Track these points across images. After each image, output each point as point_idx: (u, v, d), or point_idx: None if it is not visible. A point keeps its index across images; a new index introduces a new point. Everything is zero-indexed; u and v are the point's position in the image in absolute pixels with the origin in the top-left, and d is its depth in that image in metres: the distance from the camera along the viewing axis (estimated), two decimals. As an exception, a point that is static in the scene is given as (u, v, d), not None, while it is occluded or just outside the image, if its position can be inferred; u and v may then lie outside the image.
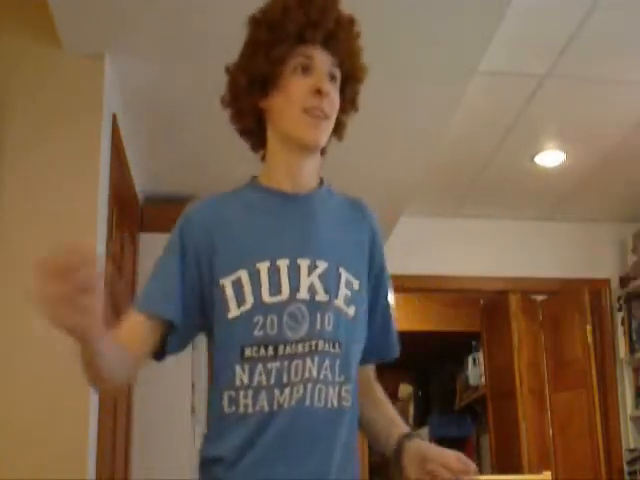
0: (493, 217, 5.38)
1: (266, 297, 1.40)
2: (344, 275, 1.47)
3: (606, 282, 5.37)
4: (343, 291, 1.45)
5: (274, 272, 1.42)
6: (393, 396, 8.44)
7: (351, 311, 1.46)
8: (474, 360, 6.70)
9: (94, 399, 2.81)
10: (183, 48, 2.98)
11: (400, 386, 8.38)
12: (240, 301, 1.40)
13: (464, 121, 3.91)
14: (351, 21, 1.56)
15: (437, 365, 7.84)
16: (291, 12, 1.48)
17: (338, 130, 1.60)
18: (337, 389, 1.40)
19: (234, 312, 1.40)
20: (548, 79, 3.71)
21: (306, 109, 1.47)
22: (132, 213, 3.84)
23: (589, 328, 5.17)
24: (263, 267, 1.42)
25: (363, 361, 1.52)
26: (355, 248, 1.53)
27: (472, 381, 6.72)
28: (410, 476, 1.39)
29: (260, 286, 1.41)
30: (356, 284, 1.48)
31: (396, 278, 6.08)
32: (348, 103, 1.59)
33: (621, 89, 3.82)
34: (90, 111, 2.95)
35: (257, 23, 1.53)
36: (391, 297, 1.61)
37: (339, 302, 1.44)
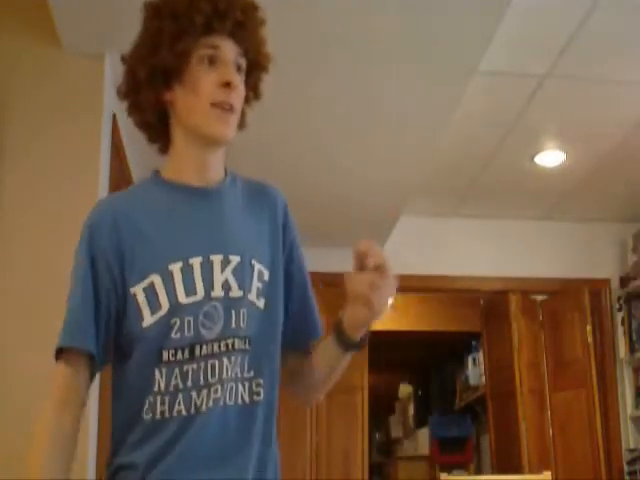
0: (493, 217, 5.38)
1: (182, 298, 1.36)
2: (257, 267, 1.43)
3: (606, 282, 5.37)
4: (255, 284, 1.42)
5: (187, 272, 1.37)
6: (393, 396, 8.45)
7: (261, 303, 1.42)
8: (474, 360, 6.70)
9: (94, 398, 2.81)
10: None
11: (400, 386, 8.39)
12: (154, 308, 1.36)
13: (464, 121, 3.91)
14: (255, 8, 1.50)
15: (437, 365, 7.85)
16: (197, 2, 1.42)
17: (241, 119, 1.53)
18: (247, 385, 1.37)
19: (148, 320, 1.36)
20: (548, 79, 3.71)
21: (214, 103, 1.42)
22: (132, 213, 3.84)
23: (589, 328, 5.17)
24: (176, 268, 1.37)
25: (296, 347, 1.50)
26: (264, 236, 1.49)
27: (472, 381, 6.73)
28: (354, 314, 1.39)
29: (175, 288, 1.36)
30: (266, 274, 1.45)
31: (396, 278, 6.07)
32: (251, 91, 1.53)
33: (621, 89, 3.82)
34: (90, 111, 2.95)
35: (158, 12, 1.47)
36: (309, 281, 1.56)
37: (252, 296, 1.41)
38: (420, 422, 7.71)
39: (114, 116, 3.16)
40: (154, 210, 1.46)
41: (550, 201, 5.20)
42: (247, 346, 1.38)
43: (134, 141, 3.61)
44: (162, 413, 1.34)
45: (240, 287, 1.40)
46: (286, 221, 1.54)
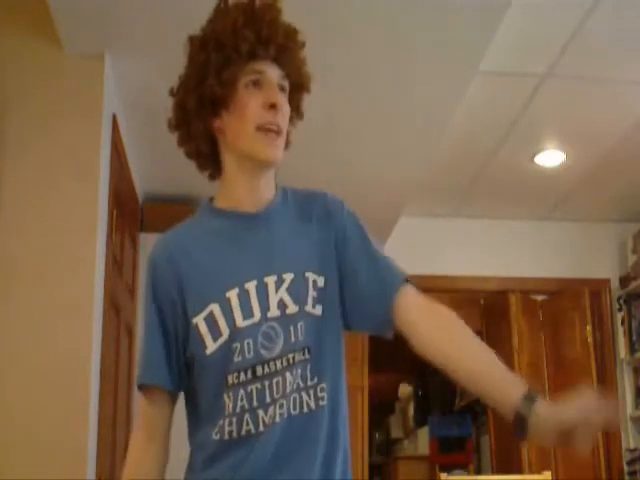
0: (493, 217, 5.38)
1: (239, 322, 1.40)
2: (311, 278, 1.46)
3: (606, 282, 5.37)
4: (311, 294, 1.45)
5: (244, 296, 1.42)
6: (393, 396, 8.45)
7: (318, 310, 1.45)
8: (474, 360, 6.69)
9: (94, 399, 2.81)
10: (183, 48, 2.97)
11: (400, 386, 8.39)
12: (215, 334, 1.40)
13: (464, 121, 3.91)
14: (296, 32, 1.54)
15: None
16: (241, 31, 1.47)
17: (287, 140, 1.56)
18: (312, 392, 1.41)
19: (211, 347, 1.40)
20: (548, 79, 3.71)
21: (260, 125, 1.45)
22: (132, 213, 3.85)
23: (589, 328, 5.17)
24: (233, 294, 1.41)
25: (387, 303, 1.45)
26: (317, 246, 1.50)
27: (472, 381, 6.71)
28: (548, 440, 1.26)
29: (233, 314, 1.41)
30: (321, 280, 1.47)
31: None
32: (294, 112, 1.56)
33: (621, 89, 3.82)
34: (90, 111, 2.95)
35: (204, 44, 1.51)
36: (378, 249, 1.55)
37: (308, 307, 1.44)
38: (420, 422, 7.70)
39: (114, 116, 3.16)
40: (209, 240, 1.50)
41: (550, 201, 5.20)
42: (307, 355, 1.41)
43: (134, 141, 3.61)
44: (230, 433, 1.38)
45: (296, 302, 1.43)
46: (335, 220, 1.54)
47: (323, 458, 1.39)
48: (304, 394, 1.40)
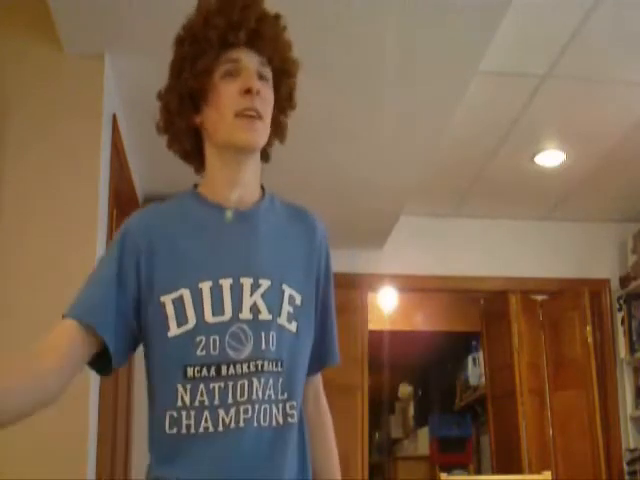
0: (493, 217, 5.38)
1: (209, 317, 1.37)
2: (287, 292, 1.44)
3: (606, 282, 5.37)
4: (286, 308, 1.43)
5: (217, 292, 1.39)
6: (393, 396, 8.45)
7: (293, 327, 1.44)
8: (474, 360, 6.70)
9: (94, 399, 2.81)
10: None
11: (400, 386, 8.40)
12: (181, 320, 1.37)
13: (464, 121, 3.91)
14: (275, 17, 1.50)
15: (437, 365, 7.85)
16: (211, 19, 1.45)
17: (278, 131, 1.56)
18: (281, 406, 1.39)
19: (174, 331, 1.37)
20: (548, 79, 3.71)
21: (238, 112, 1.43)
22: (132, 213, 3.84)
23: (589, 328, 5.17)
24: (205, 287, 1.39)
25: (309, 370, 1.51)
26: (298, 262, 1.49)
27: (472, 381, 6.73)
28: None
29: (202, 306, 1.38)
30: (298, 299, 1.46)
31: (396, 278, 6.09)
32: (284, 101, 1.55)
33: (621, 89, 3.82)
34: (90, 111, 2.95)
35: (180, 40, 1.51)
36: (333, 312, 1.60)
37: (282, 320, 1.42)
38: (420, 422, 7.71)
39: (114, 116, 3.16)
40: (189, 225, 1.47)
41: (550, 201, 5.21)
42: (279, 368, 1.40)
43: (134, 141, 3.61)
44: (188, 427, 1.35)
45: (270, 311, 1.41)
46: (322, 251, 1.55)
47: (288, 474, 1.39)
48: (274, 407, 1.38)
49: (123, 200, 3.45)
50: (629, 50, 3.48)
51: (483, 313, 5.80)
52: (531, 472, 4.89)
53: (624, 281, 5.27)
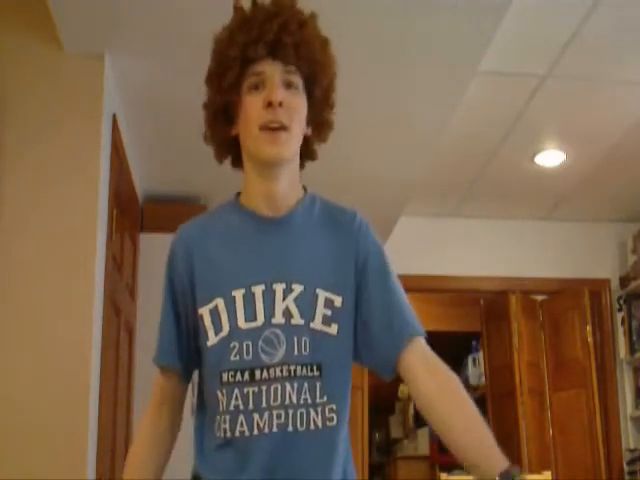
0: (493, 217, 5.38)
1: (241, 323, 1.41)
2: (322, 295, 1.44)
3: (606, 282, 5.37)
4: (321, 312, 1.43)
5: (249, 299, 1.42)
6: (393, 396, 8.45)
7: (333, 329, 1.43)
8: (474, 360, 6.69)
9: (94, 399, 2.81)
10: (183, 48, 2.98)
11: (400, 386, 8.38)
12: (217, 329, 1.42)
13: (464, 121, 3.91)
14: (300, 23, 1.50)
15: (437, 365, 7.84)
16: (233, 36, 1.48)
17: (320, 131, 1.57)
18: (320, 410, 1.40)
19: (212, 340, 1.43)
20: (548, 79, 3.71)
21: (261, 126, 1.44)
22: (132, 213, 3.84)
23: (589, 328, 5.17)
24: (238, 294, 1.43)
25: (393, 349, 1.45)
26: (336, 264, 1.49)
27: (472, 381, 6.72)
28: None
29: (236, 313, 1.42)
30: (338, 301, 1.45)
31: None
32: (321, 102, 1.57)
33: (621, 89, 3.82)
34: (90, 111, 2.95)
35: (211, 55, 1.53)
36: (396, 290, 1.55)
37: (316, 325, 1.42)
38: (420, 422, 7.69)
39: (114, 116, 3.16)
40: (225, 235, 1.52)
41: (550, 201, 5.21)
42: (314, 372, 1.40)
43: (134, 141, 3.61)
44: (225, 431, 1.40)
45: (302, 315, 1.42)
46: (358, 240, 1.53)
47: (326, 477, 1.40)
48: (312, 411, 1.39)
49: (123, 200, 3.45)
50: (629, 50, 3.48)
51: (483, 313, 5.80)
52: (531, 472, 4.88)
53: (624, 281, 5.27)
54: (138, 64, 3.08)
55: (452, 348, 7.15)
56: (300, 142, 1.51)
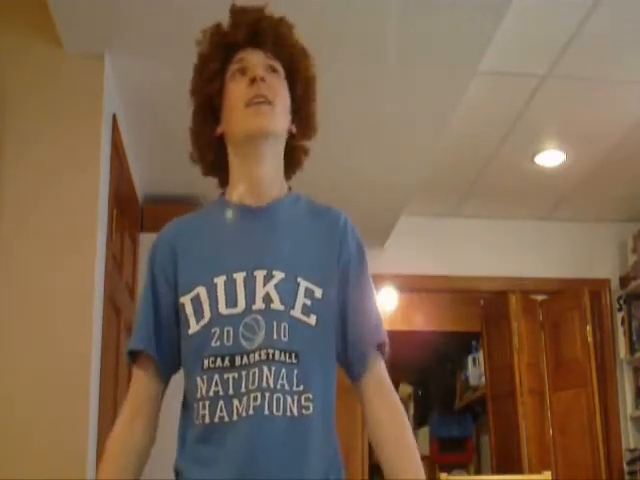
0: (493, 217, 5.38)
1: (222, 309, 1.42)
2: (303, 284, 1.44)
3: (606, 282, 5.37)
4: (301, 301, 1.43)
5: (230, 285, 1.43)
6: (393, 396, 8.44)
7: (312, 320, 1.43)
8: (474, 360, 6.70)
9: (94, 399, 2.81)
10: (183, 48, 2.97)
11: (400, 386, 8.38)
12: (199, 316, 1.43)
13: (464, 121, 3.91)
14: (278, 18, 1.58)
15: (437, 365, 7.84)
16: (217, 28, 1.56)
17: (306, 127, 1.60)
18: (296, 398, 1.38)
19: (193, 328, 1.43)
20: (548, 79, 3.70)
21: (247, 102, 1.49)
22: (132, 213, 3.84)
23: (589, 328, 5.17)
24: (220, 281, 1.43)
25: (354, 368, 1.50)
26: (318, 257, 1.50)
27: (472, 381, 6.72)
28: None
29: (217, 299, 1.42)
30: (318, 292, 1.45)
31: (396, 278, 6.06)
32: (303, 95, 1.59)
33: (621, 89, 3.82)
34: (90, 111, 2.95)
35: (195, 65, 1.60)
36: (369, 294, 1.55)
37: (296, 312, 1.42)
38: (420, 422, 7.70)
39: (114, 116, 3.16)
40: (209, 228, 1.54)
41: (550, 201, 5.20)
42: (293, 360, 1.40)
43: (134, 141, 3.61)
44: (204, 417, 1.39)
45: (282, 301, 1.42)
46: (343, 239, 1.54)
47: (316, 470, 1.39)
48: (288, 397, 1.38)
49: (123, 200, 3.45)
50: (629, 50, 3.48)
51: (483, 313, 5.80)
52: (531, 472, 4.89)
53: (624, 281, 5.27)
54: (138, 64, 3.08)
55: (452, 348, 7.15)
56: (285, 126, 1.54)
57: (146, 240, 3.99)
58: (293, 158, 1.61)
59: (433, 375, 8.08)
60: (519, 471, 4.98)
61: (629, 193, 5.05)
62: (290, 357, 1.40)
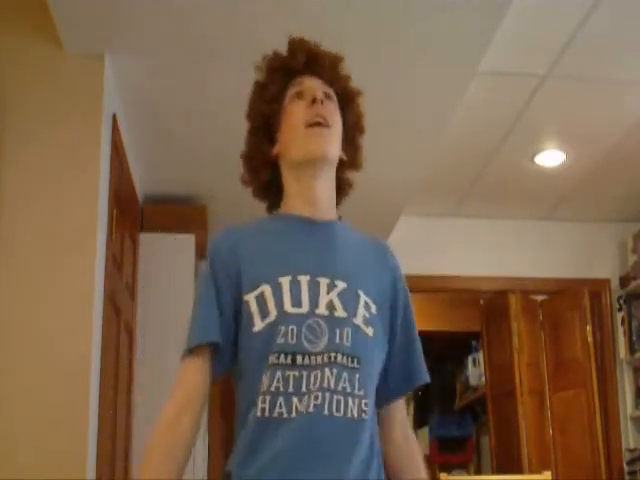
0: (493, 217, 5.38)
1: (288, 307, 1.44)
2: (362, 297, 1.50)
3: (606, 282, 5.37)
4: (361, 311, 1.48)
5: (295, 286, 1.46)
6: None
7: (370, 331, 1.48)
8: (474, 360, 6.69)
9: (94, 399, 2.81)
10: (183, 48, 2.98)
11: (400, 386, 8.38)
12: (264, 314, 1.44)
13: (464, 121, 3.91)
14: (336, 53, 1.67)
15: (437, 365, 7.83)
16: (276, 54, 1.63)
17: (355, 157, 1.71)
18: (357, 401, 1.42)
19: (258, 325, 1.44)
20: (548, 79, 3.71)
21: (307, 122, 1.53)
22: (132, 213, 3.84)
23: (589, 328, 5.17)
24: (285, 281, 1.46)
25: (396, 392, 1.59)
26: (374, 276, 1.56)
27: (472, 381, 6.72)
28: None
29: (282, 298, 1.45)
30: (373, 308, 1.51)
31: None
32: (353, 127, 1.69)
33: (621, 89, 3.82)
34: (90, 111, 2.95)
35: (252, 91, 1.65)
36: (417, 336, 1.64)
37: (357, 320, 1.47)
38: (420, 422, 7.70)
39: (114, 116, 3.16)
40: (268, 235, 1.57)
41: (550, 201, 5.21)
42: (355, 364, 1.44)
43: (134, 141, 3.61)
44: (262, 411, 1.40)
45: (345, 309, 1.47)
46: (397, 276, 1.62)
47: (363, 463, 1.42)
48: (350, 400, 1.41)
49: (123, 200, 3.45)
50: (629, 50, 3.48)
51: (483, 313, 5.80)
52: (531, 472, 4.89)
53: (624, 281, 5.27)
54: (138, 64, 3.08)
55: (452, 348, 7.15)
56: (338, 152, 1.60)
57: (146, 240, 3.99)
58: (340, 189, 1.66)
59: (433, 375, 8.06)
60: (519, 471, 4.98)
61: (629, 193, 5.05)
62: (352, 362, 1.44)
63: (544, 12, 3.20)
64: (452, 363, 7.37)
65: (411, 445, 1.62)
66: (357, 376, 1.43)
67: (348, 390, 1.41)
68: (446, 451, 6.97)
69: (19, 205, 2.82)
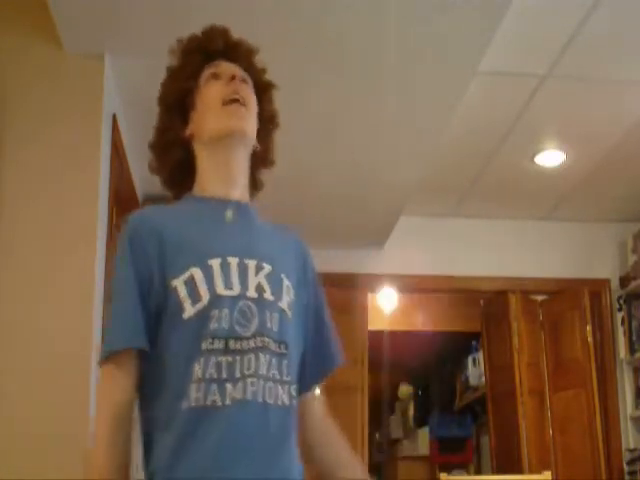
0: (493, 217, 5.37)
1: (221, 290, 1.40)
2: (285, 281, 1.49)
3: (606, 282, 5.37)
4: (285, 295, 1.48)
5: (226, 268, 1.42)
6: (393, 396, 8.46)
7: (293, 315, 1.48)
8: (474, 360, 6.70)
9: (94, 398, 2.81)
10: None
11: (400, 386, 8.39)
12: (195, 299, 1.39)
13: (464, 121, 3.91)
14: (250, 45, 1.65)
15: (437, 365, 7.84)
16: (194, 37, 1.64)
17: (267, 152, 1.63)
18: (287, 388, 1.41)
19: (189, 311, 1.38)
20: (548, 79, 3.70)
21: (224, 99, 1.52)
22: (132, 213, 3.84)
23: (589, 328, 5.16)
24: (215, 263, 1.42)
25: (307, 384, 1.55)
26: (291, 264, 1.55)
27: (472, 381, 6.72)
28: None
29: (214, 280, 1.40)
30: (292, 293, 1.50)
31: (396, 278, 6.08)
32: (269, 118, 1.63)
33: (621, 89, 3.82)
34: (90, 111, 2.95)
35: (167, 72, 1.65)
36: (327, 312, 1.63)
37: (283, 304, 1.46)
38: (420, 422, 7.70)
39: (114, 116, 3.16)
40: (188, 217, 1.53)
41: (550, 201, 5.20)
42: (283, 350, 1.43)
43: (134, 141, 3.61)
44: (197, 400, 1.35)
45: (272, 292, 1.45)
46: (307, 259, 1.61)
47: (286, 461, 1.41)
48: (279, 387, 1.40)
49: (123, 200, 3.45)
50: (629, 50, 3.48)
51: (483, 313, 5.80)
52: (531, 472, 4.89)
53: (624, 281, 5.26)
54: (138, 64, 3.08)
55: (452, 348, 7.15)
56: (254, 134, 1.56)
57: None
58: (251, 187, 1.63)
59: (433, 375, 8.08)
60: (519, 471, 4.98)
61: (629, 193, 5.04)
62: (280, 347, 1.42)
63: (544, 12, 3.20)
64: (452, 363, 7.38)
65: (328, 420, 1.60)
66: (285, 362, 1.42)
67: (277, 377, 1.40)
68: (446, 451, 6.97)
69: (19, 205, 2.82)
